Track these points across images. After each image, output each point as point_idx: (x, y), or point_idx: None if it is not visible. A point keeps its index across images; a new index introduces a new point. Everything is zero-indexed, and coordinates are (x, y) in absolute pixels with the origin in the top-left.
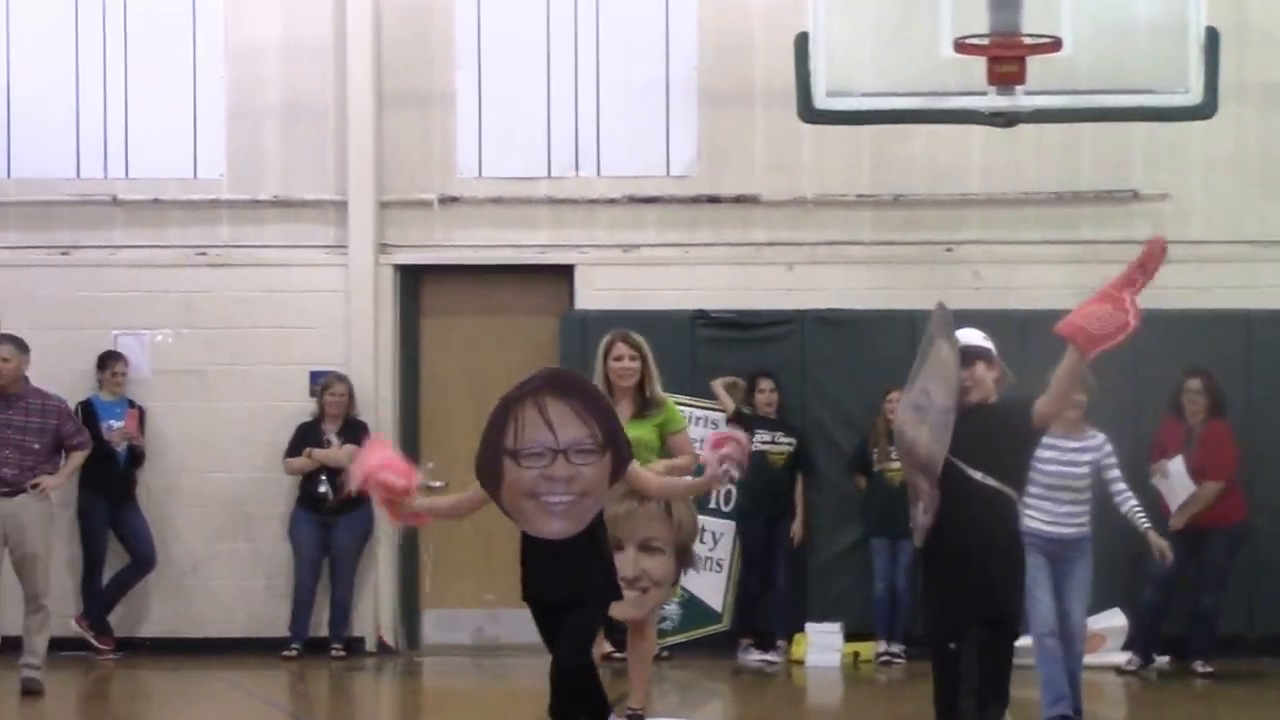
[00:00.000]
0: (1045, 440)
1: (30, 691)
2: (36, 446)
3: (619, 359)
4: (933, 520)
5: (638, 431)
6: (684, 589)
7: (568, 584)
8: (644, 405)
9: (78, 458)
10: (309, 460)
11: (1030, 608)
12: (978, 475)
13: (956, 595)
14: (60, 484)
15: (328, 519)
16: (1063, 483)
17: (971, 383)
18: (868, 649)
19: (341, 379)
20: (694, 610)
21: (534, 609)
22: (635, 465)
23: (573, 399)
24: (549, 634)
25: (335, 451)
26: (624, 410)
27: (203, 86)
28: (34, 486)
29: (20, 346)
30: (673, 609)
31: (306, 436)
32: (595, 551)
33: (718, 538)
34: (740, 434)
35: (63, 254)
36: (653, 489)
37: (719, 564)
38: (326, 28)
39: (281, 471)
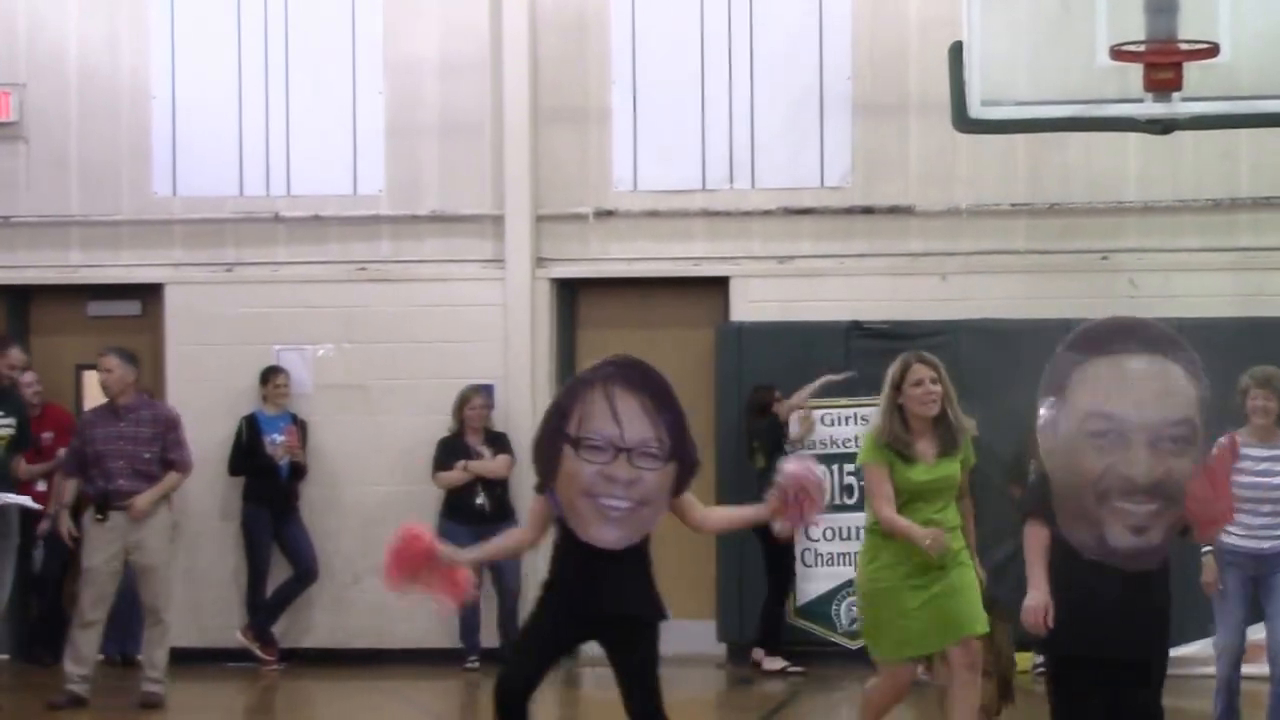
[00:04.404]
0: (1238, 450)
1: (150, 705)
2: (147, 456)
3: (919, 384)
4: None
5: (950, 470)
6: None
7: (610, 599)
8: (950, 439)
9: (172, 478)
10: (464, 473)
11: (1218, 624)
12: None
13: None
14: (147, 503)
15: (485, 530)
16: (1259, 494)
17: None
18: (1024, 659)
19: (478, 390)
20: None
21: (551, 621)
22: (689, 497)
23: (644, 395)
24: (543, 649)
25: (490, 463)
26: (927, 446)
27: (362, 104)
28: (126, 509)
29: (126, 358)
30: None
31: (454, 451)
32: (643, 568)
33: None
34: (812, 469)
35: (226, 270)
36: (695, 521)
37: None
38: (483, 45)
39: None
